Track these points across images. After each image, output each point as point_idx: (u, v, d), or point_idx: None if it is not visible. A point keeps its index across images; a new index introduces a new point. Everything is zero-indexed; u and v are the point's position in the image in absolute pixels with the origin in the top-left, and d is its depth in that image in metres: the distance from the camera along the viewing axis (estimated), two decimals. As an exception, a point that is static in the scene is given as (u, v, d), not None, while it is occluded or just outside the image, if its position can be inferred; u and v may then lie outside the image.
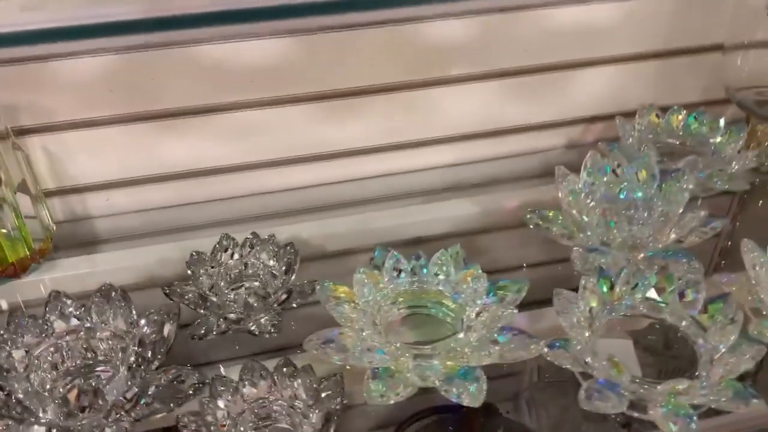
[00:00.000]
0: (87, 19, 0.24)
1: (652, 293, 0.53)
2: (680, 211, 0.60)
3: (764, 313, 0.53)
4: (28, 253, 0.61)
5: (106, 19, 0.24)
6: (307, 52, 0.66)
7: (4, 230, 0.59)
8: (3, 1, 0.30)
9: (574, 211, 0.62)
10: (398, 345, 0.48)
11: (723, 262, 0.65)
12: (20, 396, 0.43)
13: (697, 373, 0.47)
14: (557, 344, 0.50)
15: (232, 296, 0.55)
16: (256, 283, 0.58)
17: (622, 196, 0.63)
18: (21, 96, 0.62)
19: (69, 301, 0.50)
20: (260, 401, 0.46)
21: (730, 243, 0.67)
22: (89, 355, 0.50)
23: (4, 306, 0.59)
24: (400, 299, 0.55)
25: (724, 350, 0.48)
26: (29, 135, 0.64)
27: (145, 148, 0.68)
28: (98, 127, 0.66)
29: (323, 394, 0.46)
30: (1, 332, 0.47)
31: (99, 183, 0.69)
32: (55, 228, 0.65)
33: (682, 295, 0.52)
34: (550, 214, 0.63)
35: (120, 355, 0.49)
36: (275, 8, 0.22)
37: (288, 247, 0.59)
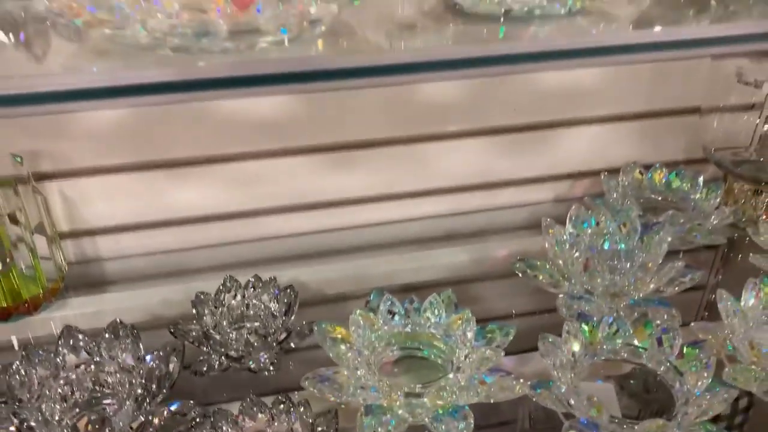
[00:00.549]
0: (121, 80, 0.27)
1: (632, 339, 0.56)
2: (660, 262, 0.63)
3: (738, 359, 0.56)
4: (41, 291, 0.64)
5: (139, 81, 0.27)
6: (311, 108, 0.71)
7: (20, 269, 0.62)
8: (44, 61, 0.33)
9: (560, 261, 0.65)
10: (390, 383, 0.51)
11: (702, 311, 0.68)
12: (32, 424, 0.46)
13: (674, 414, 0.50)
14: (542, 386, 0.52)
15: (233, 335, 0.58)
16: (257, 323, 0.61)
17: (605, 247, 0.67)
18: (43, 143, 0.66)
19: (80, 336, 0.53)
20: (258, 434, 0.49)
21: (709, 294, 0.70)
22: (98, 388, 0.52)
23: (15, 342, 0.61)
24: (394, 340, 0.58)
25: (698, 393, 0.51)
26: (48, 180, 0.68)
27: (154, 194, 0.72)
28: (112, 174, 0.70)
29: (319, 429, 0.49)
30: (17, 364, 0.50)
31: (109, 226, 0.72)
32: (66, 268, 0.68)
33: (660, 342, 0.55)
34: (538, 263, 0.66)
35: (127, 388, 0.51)
36: (293, 74, 0.26)
37: (288, 290, 0.62)
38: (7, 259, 0.61)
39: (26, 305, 0.63)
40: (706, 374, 0.51)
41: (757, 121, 0.79)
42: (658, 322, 0.57)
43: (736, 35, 0.35)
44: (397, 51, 0.31)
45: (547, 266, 0.66)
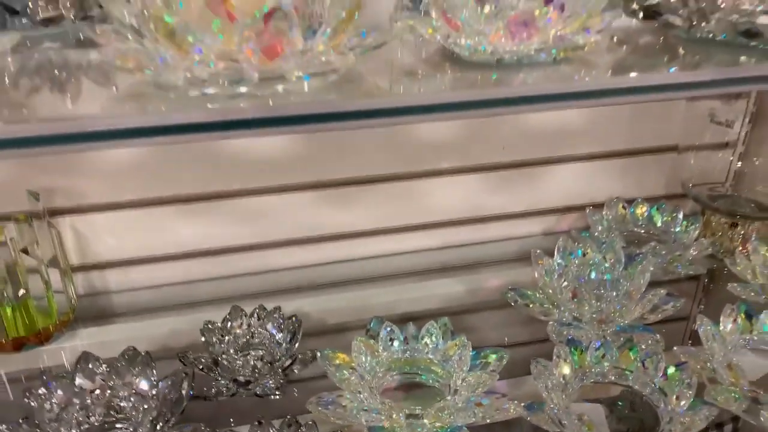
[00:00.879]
0: (150, 122, 0.31)
1: (619, 362, 0.60)
2: (643, 290, 0.67)
3: (718, 380, 0.59)
4: (53, 323, 0.66)
5: (165, 122, 0.31)
6: (312, 147, 0.75)
7: (35, 302, 0.65)
8: (88, 102, 0.36)
9: (549, 290, 0.69)
10: (391, 405, 0.54)
11: (686, 339, 0.72)
12: (52, 446, 0.48)
13: (660, 431, 0.53)
14: (535, 407, 0.55)
15: (240, 362, 0.61)
16: (262, 351, 0.64)
17: (592, 277, 0.70)
18: (58, 180, 0.69)
19: (97, 363, 0.56)
20: (268, 455, 0.51)
21: (693, 322, 0.74)
22: (113, 413, 0.55)
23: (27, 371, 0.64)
24: (394, 366, 0.61)
25: (682, 412, 0.54)
26: (61, 215, 0.71)
27: (162, 229, 0.75)
28: (122, 210, 0.73)
29: (325, 449, 0.51)
30: (34, 390, 0.53)
31: (119, 260, 0.75)
32: (76, 301, 0.71)
33: (644, 364, 0.59)
34: (528, 292, 0.70)
35: (141, 412, 0.54)
36: (316, 115, 0.29)
37: (292, 319, 0.65)
38: (22, 292, 0.64)
39: (39, 336, 0.66)
40: (688, 394, 0.55)
41: (731, 158, 0.84)
42: (643, 346, 0.60)
43: (701, 81, 0.40)
44: (406, 95, 0.35)
45: (538, 295, 0.70)
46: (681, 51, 0.44)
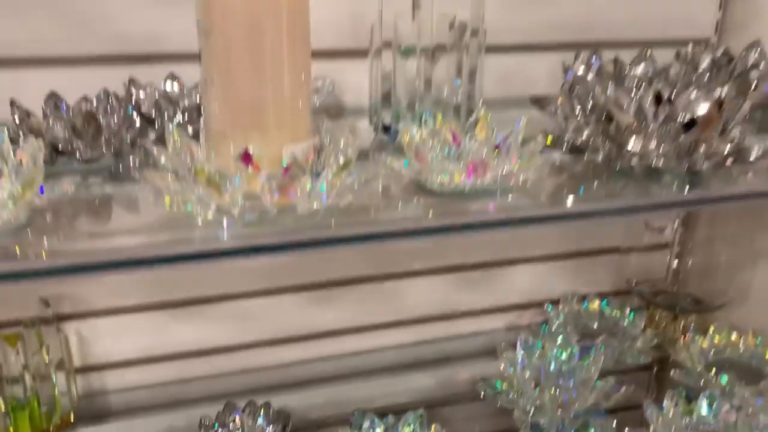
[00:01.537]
0: (191, 250, 0.38)
1: (577, 445, 0.67)
2: (596, 379, 0.75)
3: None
4: (56, 423, 0.71)
5: (204, 249, 0.38)
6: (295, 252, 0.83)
7: (43, 403, 0.70)
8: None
9: (515, 380, 0.77)
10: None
11: (635, 419, 0.79)
12: None
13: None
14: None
15: (236, 455, 0.66)
16: (255, 445, 0.69)
17: (551, 369, 0.79)
18: (66, 288, 0.76)
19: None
20: None
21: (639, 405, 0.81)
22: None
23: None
24: (376, 454, 0.67)
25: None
26: (68, 321, 0.77)
27: (158, 330, 0.81)
28: (122, 314, 0.79)
29: None
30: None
31: (117, 362, 0.81)
32: (77, 400, 0.76)
33: (599, 446, 0.66)
34: (496, 383, 0.78)
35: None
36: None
37: (281, 413, 0.71)
38: (29, 393, 0.69)
39: (43, 435, 0.70)
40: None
41: (668, 258, 0.95)
42: (597, 429, 0.68)
43: (624, 207, 0.51)
44: (390, 223, 0.45)
45: (504, 386, 0.77)
46: (603, 182, 0.54)
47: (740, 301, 0.89)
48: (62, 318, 0.77)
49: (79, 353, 0.79)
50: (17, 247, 0.41)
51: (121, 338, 0.80)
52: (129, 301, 0.79)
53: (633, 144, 0.52)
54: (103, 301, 0.78)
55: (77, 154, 0.53)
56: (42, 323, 0.72)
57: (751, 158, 0.53)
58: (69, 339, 0.77)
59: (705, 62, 0.74)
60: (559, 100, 0.61)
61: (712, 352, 0.85)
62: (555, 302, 0.94)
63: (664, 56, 0.78)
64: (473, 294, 0.93)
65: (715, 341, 0.86)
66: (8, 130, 0.49)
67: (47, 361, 0.70)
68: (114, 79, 0.63)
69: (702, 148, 0.52)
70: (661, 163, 0.52)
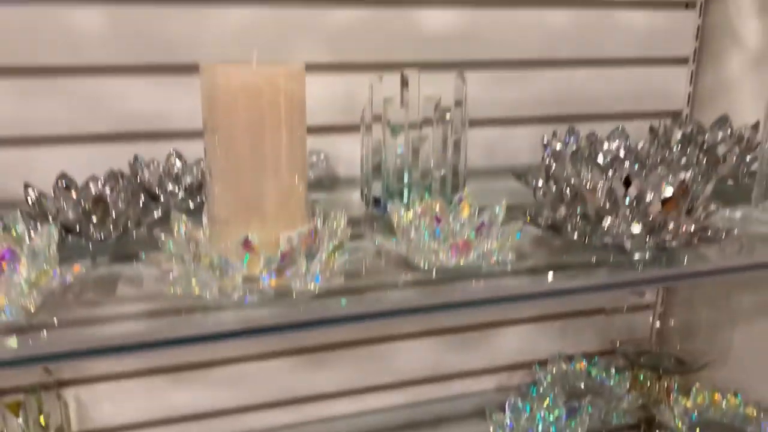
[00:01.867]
0: (195, 332, 0.42)
1: None
2: (583, 441, 0.78)
3: None
4: (54, 488, 0.73)
5: (208, 331, 0.42)
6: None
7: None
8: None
9: (503, 443, 0.79)
10: None
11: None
12: None
13: None
14: None
15: None
16: None
17: (539, 430, 0.81)
18: (67, 355, 0.78)
19: None
20: None
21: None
22: None
23: None
24: None
25: None
26: (67, 386, 0.79)
27: (154, 395, 0.83)
28: (120, 380, 0.81)
29: None
30: None
31: (114, 426, 0.82)
32: (75, 466, 0.77)
33: None
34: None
35: None
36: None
37: (276, 478, 0.73)
38: (28, 460, 0.71)
39: (41, 502, 0.71)
40: None
41: (650, 319, 0.98)
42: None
43: (598, 285, 0.54)
44: (379, 303, 0.49)
45: (493, 448, 0.79)
46: (578, 259, 0.58)
47: (722, 361, 0.91)
48: (62, 383, 0.79)
49: (78, 418, 0.81)
50: (29, 333, 0.44)
51: (118, 403, 0.82)
52: (126, 367, 0.82)
53: (605, 223, 0.56)
54: (102, 366, 0.81)
55: (87, 235, 0.56)
56: (42, 389, 0.74)
57: (717, 237, 0.56)
58: (68, 404, 0.79)
59: (677, 136, 0.79)
60: (539, 181, 0.65)
61: (695, 413, 0.87)
62: (543, 362, 0.96)
63: (640, 128, 0.84)
64: (463, 355, 0.96)
65: (698, 401, 0.88)
66: (21, 213, 0.53)
67: (48, 428, 0.72)
68: (120, 154, 0.68)
69: (670, 227, 0.56)
70: (630, 243, 0.55)
